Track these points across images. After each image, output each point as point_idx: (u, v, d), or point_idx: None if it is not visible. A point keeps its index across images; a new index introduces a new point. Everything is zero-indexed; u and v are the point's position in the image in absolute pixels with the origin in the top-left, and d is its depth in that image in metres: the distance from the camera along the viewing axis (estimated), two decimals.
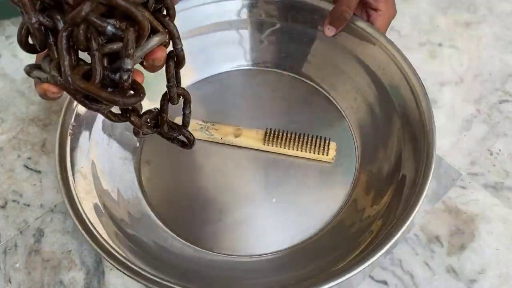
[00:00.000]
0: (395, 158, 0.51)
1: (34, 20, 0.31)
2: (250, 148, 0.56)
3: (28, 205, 0.55)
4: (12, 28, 0.70)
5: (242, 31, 0.61)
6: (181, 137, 0.46)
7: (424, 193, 0.44)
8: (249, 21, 0.60)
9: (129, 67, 0.31)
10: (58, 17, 0.31)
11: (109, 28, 0.31)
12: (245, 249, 0.50)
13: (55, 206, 0.55)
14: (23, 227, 0.54)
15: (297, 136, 0.55)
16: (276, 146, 0.55)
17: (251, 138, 0.56)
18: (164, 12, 0.35)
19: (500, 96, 0.61)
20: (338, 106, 0.59)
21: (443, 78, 0.63)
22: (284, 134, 0.55)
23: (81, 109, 0.52)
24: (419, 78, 0.50)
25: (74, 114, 0.51)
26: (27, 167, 0.58)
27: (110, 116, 0.37)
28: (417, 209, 0.43)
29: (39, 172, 0.58)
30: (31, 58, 0.70)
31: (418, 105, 0.49)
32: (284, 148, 0.55)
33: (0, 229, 0.54)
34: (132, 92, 0.33)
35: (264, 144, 0.55)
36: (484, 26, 0.68)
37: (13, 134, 0.61)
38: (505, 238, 0.52)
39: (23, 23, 0.32)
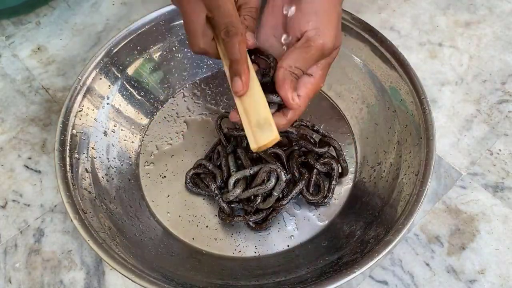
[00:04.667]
0: (395, 159, 0.51)
1: None
2: None
3: (28, 205, 0.55)
4: (12, 28, 0.70)
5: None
6: None
7: (424, 193, 0.44)
8: None
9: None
10: None
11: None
12: (244, 250, 0.50)
13: (55, 206, 0.55)
14: (23, 227, 0.54)
15: None
16: None
17: None
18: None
19: (500, 96, 0.61)
20: (338, 107, 0.59)
21: (443, 78, 0.63)
22: None
23: (81, 109, 0.52)
24: (419, 78, 0.50)
25: (75, 115, 0.52)
26: (27, 167, 0.58)
27: None
28: (417, 209, 0.43)
29: (39, 172, 0.58)
30: (31, 59, 0.70)
31: (418, 105, 0.49)
32: None
33: (0, 229, 0.54)
34: None
35: None
36: (484, 26, 0.68)
37: (13, 134, 0.61)
38: (505, 238, 0.52)
39: None
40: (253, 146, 0.39)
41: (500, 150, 0.57)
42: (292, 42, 0.42)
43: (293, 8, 0.42)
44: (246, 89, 0.40)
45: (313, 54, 0.40)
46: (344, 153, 0.55)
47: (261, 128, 0.39)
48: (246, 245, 0.50)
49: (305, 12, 0.40)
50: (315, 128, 0.53)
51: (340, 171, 0.53)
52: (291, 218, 0.52)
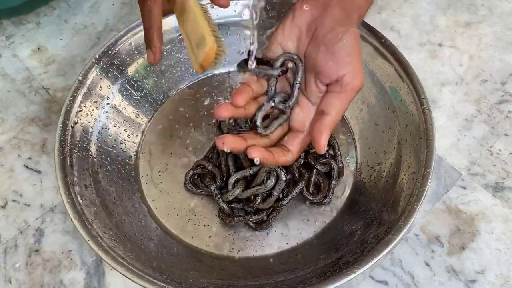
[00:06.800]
0: (395, 159, 0.51)
1: None
2: None
3: (28, 205, 0.55)
4: (12, 28, 0.70)
5: (246, 31, 0.60)
6: None
7: (424, 193, 0.44)
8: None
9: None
10: None
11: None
12: (244, 250, 0.50)
13: (55, 206, 0.55)
14: (23, 227, 0.54)
15: None
16: None
17: None
18: None
19: (500, 96, 0.61)
20: None
21: (443, 78, 0.63)
22: None
23: (81, 109, 0.52)
24: (419, 78, 0.50)
25: (75, 115, 0.52)
26: (27, 167, 0.58)
27: None
28: (417, 209, 0.43)
29: (39, 172, 0.58)
30: (31, 59, 0.70)
31: (418, 105, 0.49)
32: None
33: (0, 229, 0.54)
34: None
35: None
36: (484, 26, 0.68)
37: (13, 134, 0.61)
38: (505, 238, 0.52)
39: None
40: (196, 67, 0.38)
41: (500, 150, 0.57)
42: (323, 83, 0.40)
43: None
44: (158, 58, 0.42)
45: (353, 97, 0.40)
46: (344, 153, 0.55)
47: (198, 45, 0.37)
48: (246, 245, 0.50)
49: (340, 55, 0.39)
50: None
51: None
52: (291, 218, 0.52)
